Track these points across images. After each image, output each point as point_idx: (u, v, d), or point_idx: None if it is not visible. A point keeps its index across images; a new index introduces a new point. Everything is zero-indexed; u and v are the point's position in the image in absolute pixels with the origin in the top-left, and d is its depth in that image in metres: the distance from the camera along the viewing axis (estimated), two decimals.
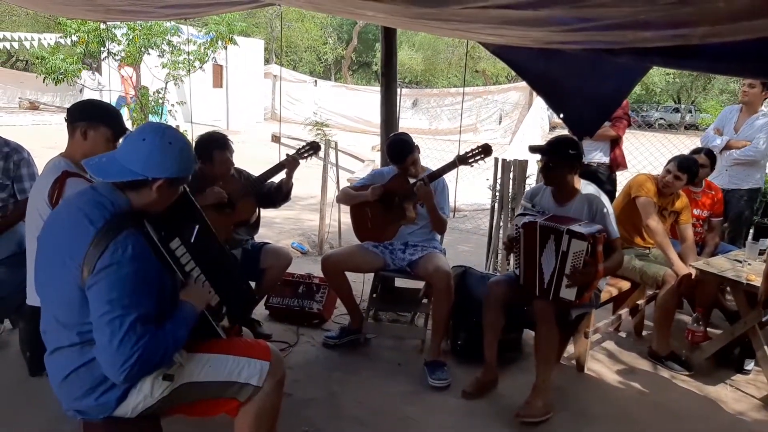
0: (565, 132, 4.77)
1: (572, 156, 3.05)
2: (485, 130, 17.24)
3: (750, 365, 3.52)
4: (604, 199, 3.14)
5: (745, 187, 4.60)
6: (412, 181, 3.48)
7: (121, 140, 1.86)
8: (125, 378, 1.66)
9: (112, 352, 1.63)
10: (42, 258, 1.83)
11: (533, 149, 3.21)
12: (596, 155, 4.87)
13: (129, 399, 1.78)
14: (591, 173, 4.57)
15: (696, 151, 4.18)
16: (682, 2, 1.54)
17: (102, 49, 8.44)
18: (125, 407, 1.79)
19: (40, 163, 3.14)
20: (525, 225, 2.99)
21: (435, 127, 18.06)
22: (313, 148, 3.62)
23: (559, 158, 3.07)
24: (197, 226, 2.00)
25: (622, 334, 4.03)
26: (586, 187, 3.17)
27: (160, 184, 1.78)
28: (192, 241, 1.96)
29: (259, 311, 3.87)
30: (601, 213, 3.07)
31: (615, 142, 4.88)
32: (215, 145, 3.35)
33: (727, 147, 4.56)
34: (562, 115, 3.88)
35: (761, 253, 3.62)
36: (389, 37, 4.08)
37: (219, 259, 2.15)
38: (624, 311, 3.81)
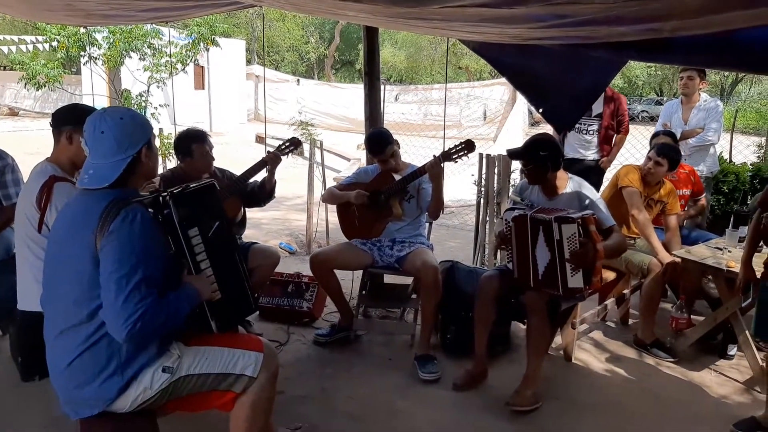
0: (548, 127, 4.85)
1: (545, 157, 3.10)
2: (469, 126, 17.30)
3: (733, 350, 3.60)
4: (591, 189, 3.20)
5: (704, 173, 4.75)
6: (396, 177, 3.52)
7: (83, 146, 1.94)
8: (128, 334, 1.71)
9: (117, 308, 1.71)
10: (54, 243, 1.91)
11: (510, 154, 3.28)
12: (591, 154, 4.93)
13: (129, 390, 1.82)
14: (585, 170, 4.62)
15: (655, 135, 4.29)
16: None
17: (82, 53, 8.37)
18: (125, 400, 1.82)
19: (23, 170, 3.14)
20: (515, 219, 3.03)
21: (420, 122, 18.09)
22: (293, 144, 3.64)
23: (532, 161, 3.14)
24: (217, 223, 2.11)
25: (609, 324, 4.10)
26: (572, 179, 3.23)
27: (145, 152, 1.93)
28: (209, 235, 2.06)
29: None
30: (591, 202, 3.12)
31: (608, 141, 4.94)
32: (193, 139, 3.36)
33: (682, 137, 4.68)
34: (541, 110, 3.94)
35: (740, 240, 3.69)
36: (371, 35, 4.11)
37: (231, 261, 2.20)
38: (610, 301, 3.88)
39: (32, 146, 9.87)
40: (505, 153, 4.65)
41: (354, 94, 18.43)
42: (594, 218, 2.93)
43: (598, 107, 4.73)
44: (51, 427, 2.51)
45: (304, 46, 30.14)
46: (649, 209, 3.80)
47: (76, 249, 1.80)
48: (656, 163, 3.72)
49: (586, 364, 3.52)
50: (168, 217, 1.97)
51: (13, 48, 13.57)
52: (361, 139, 8.56)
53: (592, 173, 4.77)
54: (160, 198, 1.98)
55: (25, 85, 8.39)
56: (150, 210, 1.95)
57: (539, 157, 3.10)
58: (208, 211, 2.12)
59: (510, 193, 4.39)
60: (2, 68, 23.40)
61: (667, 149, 3.75)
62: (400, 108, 17.52)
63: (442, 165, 3.36)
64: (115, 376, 1.80)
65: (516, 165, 4.82)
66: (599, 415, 2.96)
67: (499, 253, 4.48)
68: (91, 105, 2.59)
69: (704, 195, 4.40)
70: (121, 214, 1.77)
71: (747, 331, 3.27)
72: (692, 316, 3.68)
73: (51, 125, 2.59)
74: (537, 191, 3.26)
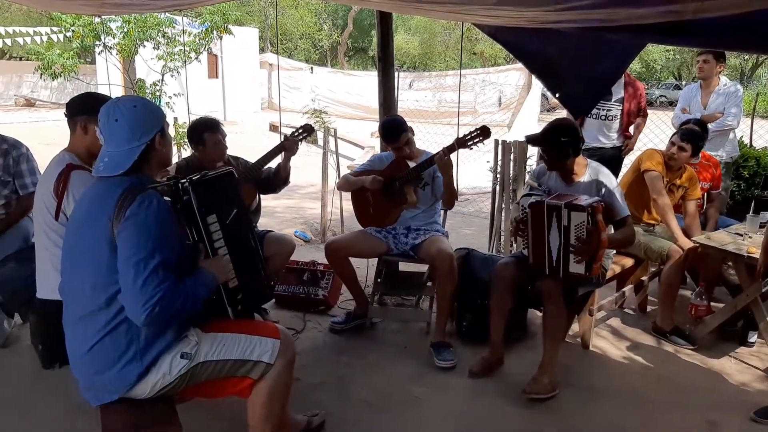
0: (564, 113, 4.78)
1: (566, 143, 3.05)
2: (484, 112, 17.16)
3: (753, 337, 3.55)
4: (610, 176, 3.16)
5: (724, 158, 4.65)
6: (411, 165, 3.50)
7: (98, 135, 1.96)
8: (147, 317, 1.73)
9: (136, 292, 1.73)
10: (72, 229, 1.94)
11: (529, 140, 3.23)
12: (611, 140, 4.81)
13: (149, 376, 1.84)
14: (605, 159, 4.53)
15: (685, 123, 4.20)
16: None
17: (97, 42, 8.40)
18: (144, 386, 1.84)
19: (40, 160, 3.16)
20: (532, 205, 3.00)
21: (434, 109, 17.98)
22: (306, 131, 3.63)
23: (552, 147, 3.09)
24: (235, 211, 2.13)
25: (627, 311, 4.06)
26: (594, 166, 3.19)
27: (158, 139, 1.95)
28: (227, 222, 2.09)
29: None
30: (608, 191, 3.09)
31: (629, 126, 4.85)
32: (205, 128, 3.35)
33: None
34: (558, 95, 3.89)
35: (762, 226, 3.63)
36: (385, 21, 4.08)
37: (248, 248, 2.23)
38: (628, 288, 3.84)
39: (49, 137, 9.96)
40: (521, 139, 4.67)
41: (368, 81, 18.35)
42: (602, 207, 2.90)
43: (618, 91, 4.63)
44: (72, 413, 2.55)
45: (317, 33, 30.02)
46: (671, 194, 3.74)
47: (93, 235, 1.82)
48: (680, 148, 3.66)
49: (604, 351, 3.49)
50: (187, 204, 1.99)
51: (29, 39, 13.70)
52: (375, 126, 8.53)
53: (613, 161, 4.68)
54: (180, 185, 2.00)
55: (41, 75, 8.45)
56: (167, 198, 1.96)
57: (560, 143, 3.06)
58: (226, 198, 2.14)
59: (527, 178, 4.34)
60: (18, 59, 23.66)
61: (691, 134, 3.69)
62: (414, 95, 17.43)
63: (448, 157, 3.34)
64: (134, 361, 1.82)
65: (532, 151, 4.76)
66: (617, 403, 2.93)
67: (514, 242, 4.45)
68: (106, 94, 2.58)
69: (719, 190, 4.29)
70: (137, 200, 1.78)
71: None
72: (712, 303, 3.64)
73: (66, 115, 2.60)
74: (555, 177, 3.22)
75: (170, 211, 1.90)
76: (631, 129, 4.83)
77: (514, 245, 4.44)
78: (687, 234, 3.65)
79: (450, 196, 3.50)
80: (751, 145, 5.80)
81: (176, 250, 1.86)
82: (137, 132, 1.89)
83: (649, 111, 5.02)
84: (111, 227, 1.78)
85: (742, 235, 3.53)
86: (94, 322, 1.82)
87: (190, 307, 1.84)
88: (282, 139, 3.58)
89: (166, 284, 1.75)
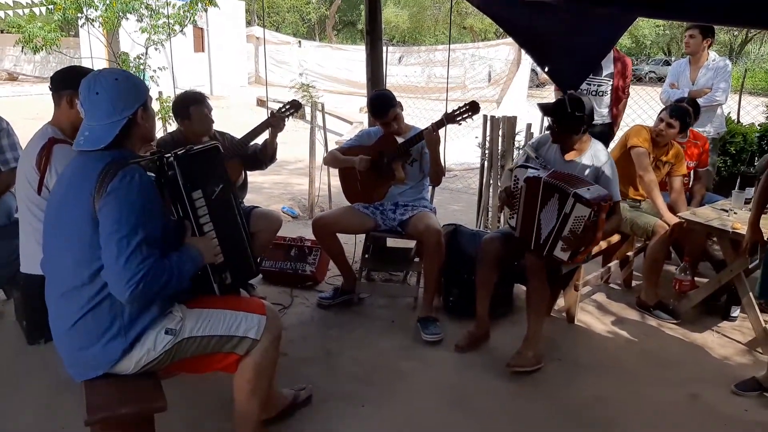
0: (553, 87, 4.75)
1: (579, 117, 3.03)
2: (474, 87, 17.06)
3: (736, 312, 3.61)
4: (609, 159, 3.15)
5: (711, 134, 4.67)
6: (399, 140, 3.48)
7: (78, 108, 1.91)
8: (131, 295, 1.71)
9: (119, 270, 1.71)
10: (53, 204, 1.91)
11: (543, 109, 3.20)
12: (602, 116, 4.75)
13: (133, 352, 1.84)
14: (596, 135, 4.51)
15: (680, 101, 4.19)
16: None
17: (79, 15, 8.21)
18: (128, 361, 1.84)
19: (23, 135, 3.10)
20: (528, 179, 2.97)
21: (423, 85, 17.85)
22: (294, 107, 3.59)
23: (567, 120, 3.06)
24: (221, 186, 2.10)
25: (612, 286, 4.10)
26: (594, 146, 3.18)
27: (141, 114, 1.91)
28: (213, 198, 2.06)
29: None
30: (605, 175, 3.08)
31: (618, 102, 4.82)
32: (190, 101, 3.30)
33: (691, 97, 4.58)
34: (546, 69, 3.86)
35: (747, 202, 3.66)
36: None
37: (233, 224, 2.20)
38: (614, 263, 3.87)
39: (32, 111, 9.80)
40: (510, 115, 4.65)
41: (356, 56, 18.14)
42: (609, 206, 2.87)
43: (608, 66, 4.60)
44: (58, 389, 2.54)
45: (305, 6, 29.58)
46: (657, 170, 3.75)
47: (75, 210, 1.79)
48: (668, 125, 3.66)
49: (589, 325, 3.53)
50: (172, 179, 1.96)
51: (11, 12, 13.37)
52: (363, 101, 8.46)
53: (602, 137, 4.67)
54: (164, 159, 1.97)
55: (22, 48, 8.26)
56: (151, 174, 1.94)
57: (575, 117, 3.03)
58: (212, 173, 2.11)
59: (524, 146, 4.31)
60: (0, 32, 23.12)
61: (679, 111, 3.68)
62: (403, 70, 17.27)
63: (437, 133, 3.32)
64: (118, 337, 1.81)
65: (521, 127, 4.75)
66: (601, 376, 2.98)
67: (502, 216, 4.46)
68: (91, 68, 2.53)
69: (707, 167, 4.30)
70: (119, 175, 1.75)
71: (751, 293, 3.27)
72: (696, 278, 3.68)
73: (50, 89, 2.56)
74: (554, 150, 3.21)
75: (153, 185, 1.87)
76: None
77: (503, 222, 4.45)
78: (672, 210, 3.68)
79: (437, 173, 3.49)
80: (738, 122, 5.83)
81: (160, 225, 1.83)
82: (119, 106, 1.84)
83: (638, 87, 5.01)
84: (92, 202, 1.75)
85: (727, 211, 3.56)
86: (77, 298, 1.80)
87: (175, 283, 1.82)
88: (269, 115, 3.53)
89: (149, 261, 1.73)
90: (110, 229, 1.72)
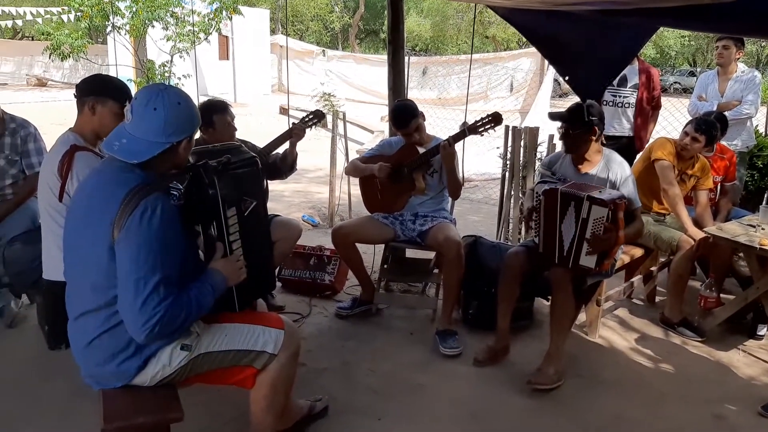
0: (575, 99, 4.69)
1: (591, 122, 2.99)
2: (495, 97, 17.01)
3: (763, 330, 3.51)
4: (626, 167, 3.10)
5: (739, 147, 4.58)
6: (420, 150, 3.46)
7: (127, 110, 1.84)
8: (147, 337, 1.70)
9: (135, 312, 1.68)
10: (72, 220, 1.87)
11: (552, 116, 3.16)
12: (626, 129, 4.68)
13: (148, 368, 1.83)
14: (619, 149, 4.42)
15: (707, 115, 4.11)
16: None
17: (106, 23, 8.38)
18: (144, 376, 1.84)
19: (50, 140, 3.15)
20: (546, 192, 2.95)
21: (444, 96, 17.85)
22: (317, 117, 3.60)
23: (578, 125, 3.02)
24: (255, 203, 2.03)
25: (635, 302, 4.02)
26: (608, 154, 3.13)
27: (185, 144, 1.87)
28: (246, 215, 1.99)
29: None
30: (623, 181, 3.04)
31: (643, 114, 4.73)
32: (214, 110, 3.30)
33: (719, 110, 4.49)
34: (567, 78, 3.83)
35: None
36: (396, 3, 4.01)
37: (261, 239, 2.15)
38: (637, 278, 3.80)
39: (60, 117, 9.96)
40: (532, 126, 4.60)
41: (379, 66, 18.18)
42: (625, 204, 2.85)
43: (633, 77, 4.53)
44: (77, 394, 2.55)
45: (329, 15, 29.77)
46: (682, 184, 3.68)
47: (94, 234, 1.75)
48: (693, 139, 3.59)
49: (611, 342, 3.47)
50: (212, 198, 1.89)
51: (40, 21, 13.69)
52: (385, 111, 8.47)
53: (626, 151, 4.58)
54: (205, 177, 1.89)
55: (50, 55, 8.45)
56: (175, 191, 1.90)
57: (586, 123, 2.99)
58: (250, 191, 2.03)
59: (537, 167, 4.29)
60: (30, 39, 23.67)
61: (705, 125, 3.61)
62: (428, 93, 17.30)
63: (453, 147, 3.29)
64: (133, 357, 1.81)
65: (543, 138, 4.70)
66: (623, 394, 2.91)
67: (523, 229, 4.41)
68: (115, 76, 2.56)
69: (734, 182, 4.21)
70: (140, 206, 1.69)
71: None
72: (721, 295, 3.59)
73: (75, 96, 2.60)
74: (568, 164, 3.17)
75: (176, 215, 1.79)
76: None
77: (524, 234, 4.40)
78: (698, 224, 3.60)
79: (454, 186, 3.45)
80: (766, 134, 5.70)
81: (180, 259, 1.77)
82: (168, 130, 1.79)
83: (663, 98, 4.93)
84: (111, 231, 1.70)
85: (754, 227, 3.47)
86: (94, 320, 1.79)
87: (194, 317, 1.80)
88: (290, 125, 3.55)
89: (167, 302, 1.69)
90: (128, 267, 1.68)
